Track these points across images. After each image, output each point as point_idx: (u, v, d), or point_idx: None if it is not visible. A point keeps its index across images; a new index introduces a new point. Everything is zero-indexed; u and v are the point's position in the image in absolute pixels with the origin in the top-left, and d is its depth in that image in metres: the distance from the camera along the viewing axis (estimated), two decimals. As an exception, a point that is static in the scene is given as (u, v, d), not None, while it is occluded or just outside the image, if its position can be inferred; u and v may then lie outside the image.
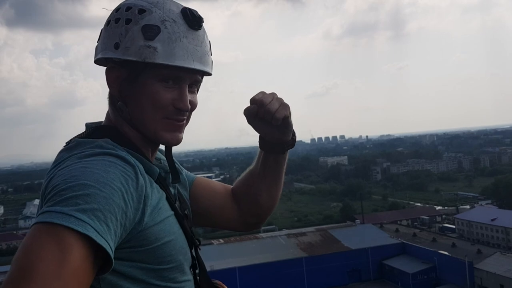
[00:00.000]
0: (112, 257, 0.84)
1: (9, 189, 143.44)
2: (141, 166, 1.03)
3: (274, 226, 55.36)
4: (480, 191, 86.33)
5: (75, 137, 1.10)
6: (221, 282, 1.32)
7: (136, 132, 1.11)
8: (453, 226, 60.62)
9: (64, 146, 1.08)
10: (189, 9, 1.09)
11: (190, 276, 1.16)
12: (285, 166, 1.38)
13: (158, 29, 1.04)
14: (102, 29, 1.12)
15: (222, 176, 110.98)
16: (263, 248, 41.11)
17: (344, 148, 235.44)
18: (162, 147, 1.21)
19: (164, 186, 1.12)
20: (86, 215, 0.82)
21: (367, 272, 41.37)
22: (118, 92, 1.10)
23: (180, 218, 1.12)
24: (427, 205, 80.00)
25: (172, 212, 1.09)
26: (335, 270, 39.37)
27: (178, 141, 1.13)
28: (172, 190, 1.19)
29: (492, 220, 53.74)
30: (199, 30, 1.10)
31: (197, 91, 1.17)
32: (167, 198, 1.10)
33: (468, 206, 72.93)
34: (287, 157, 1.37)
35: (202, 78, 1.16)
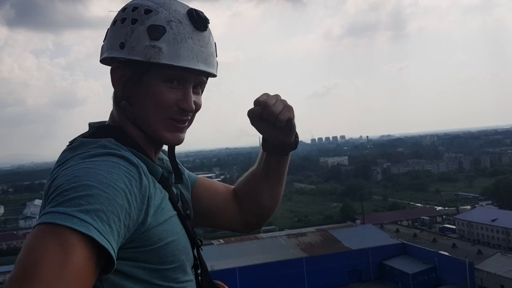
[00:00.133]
0: (115, 258, 0.84)
1: (10, 189, 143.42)
2: (144, 167, 1.03)
3: (274, 227, 55.23)
4: (481, 192, 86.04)
5: (79, 136, 1.10)
6: (222, 283, 1.32)
7: (140, 132, 1.11)
8: (454, 227, 60.58)
9: (67, 146, 1.09)
10: (195, 10, 1.09)
11: (192, 276, 1.16)
12: (287, 168, 1.39)
13: (163, 29, 1.04)
14: (108, 29, 1.13)
15: (222, 176, 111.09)
16: (264, 248, 41.19)
17: (345, 148, 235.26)
18: (165, 147, 1.21)
19: (166, 186, 1.12)
20: (89, 216, 0.82)
21: (367, 272, 41.44)
22: (122, 92, 1.10)
23: (183, 218, 1.12)
24: (428, 206, 79.96)
25: (175, 212, 1.10)
26: (336, 270, 39.45)
27: (179, 141, 1.14)
28: (175, 190, 1.19)
29: (493, 220, 53.69)
30: (205, 31, 1.10)
31: (202, 92, 1.17)
32: (169, 198, 1.10)
33: (468, 207, 72.85)
34: (289, 159, 1.37)
35: (207, 79, 1.17)
